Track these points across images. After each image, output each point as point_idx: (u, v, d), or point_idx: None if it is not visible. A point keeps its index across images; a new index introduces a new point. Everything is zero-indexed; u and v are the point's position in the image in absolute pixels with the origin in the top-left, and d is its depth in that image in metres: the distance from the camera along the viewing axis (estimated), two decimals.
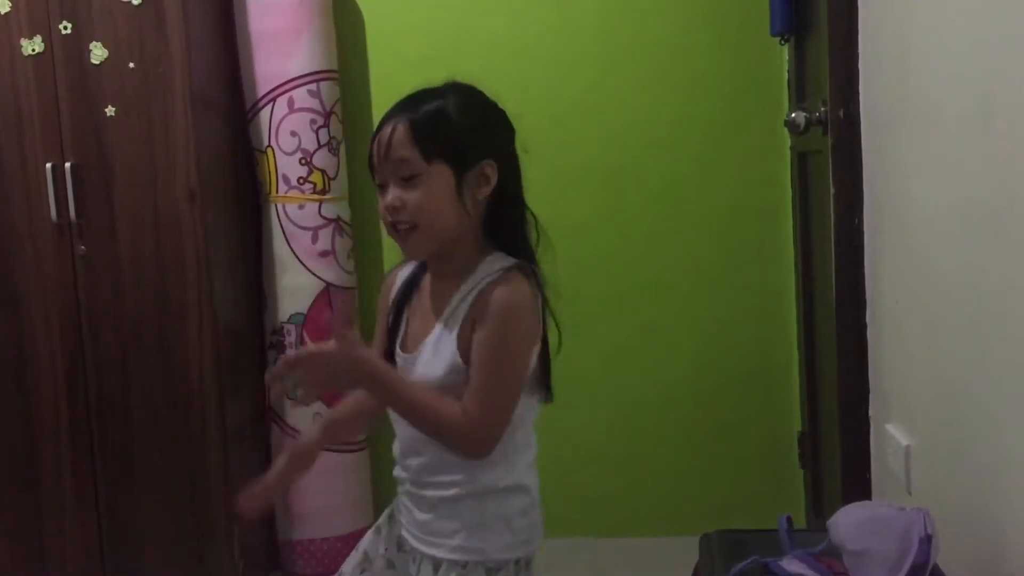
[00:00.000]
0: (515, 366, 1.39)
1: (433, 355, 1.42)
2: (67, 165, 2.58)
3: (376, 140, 1.41)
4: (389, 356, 1.49)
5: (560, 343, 1.50)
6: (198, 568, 2.68)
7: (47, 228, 2.61)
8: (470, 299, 1.40)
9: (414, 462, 1.47)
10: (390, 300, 1.54)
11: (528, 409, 1.47)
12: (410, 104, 1.42)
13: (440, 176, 1.39)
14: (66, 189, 2.58)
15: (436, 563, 1.46)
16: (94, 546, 2.69)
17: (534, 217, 1.53)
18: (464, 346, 1.39)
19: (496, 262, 1.43)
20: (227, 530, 2.66)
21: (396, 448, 1.52)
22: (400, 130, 1.39)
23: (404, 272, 1.55)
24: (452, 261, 1.44)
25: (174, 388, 2.63)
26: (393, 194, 1.40)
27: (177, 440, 2.65)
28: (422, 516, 1.47)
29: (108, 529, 2.69)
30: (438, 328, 1.43)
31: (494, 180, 1.44)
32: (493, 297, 1.38)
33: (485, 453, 1.39)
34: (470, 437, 1.37)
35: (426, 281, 1.51)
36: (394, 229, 1.42)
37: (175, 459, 2.65)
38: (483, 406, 1.36)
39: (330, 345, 1.34)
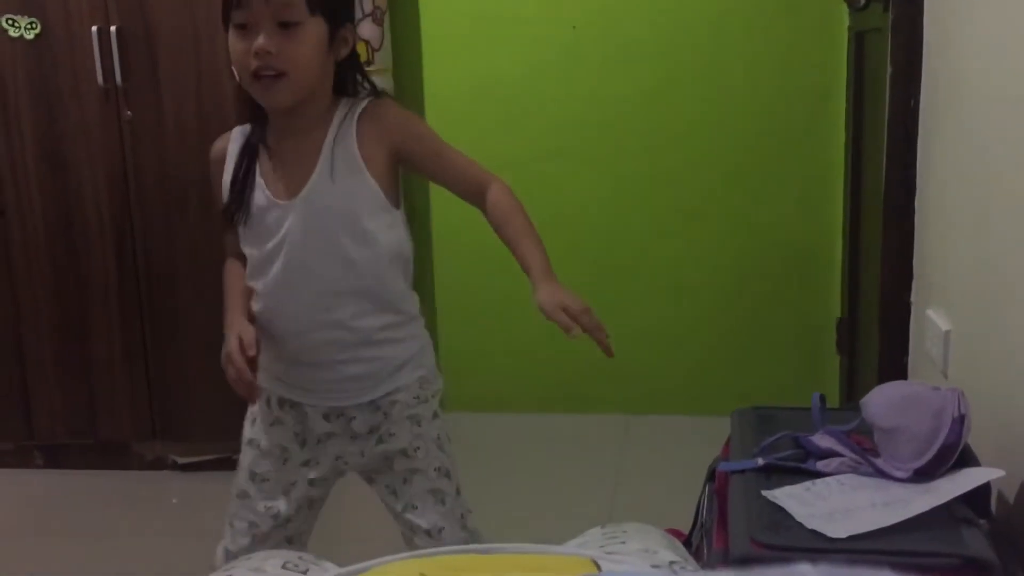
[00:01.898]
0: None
1: (326, 205, 1.44)
2: (112, 29, 2.57)
3: None
4: (233, 216, 1.50)
5: None
6: (242, 426, 2.77)
7: (94, 92, 2.61)
8: (352, 133, 1.43)
9: (330, 320, 1.50)
10: (228, 167, 1.50)
11: None
12: None
13: (317, 29, 1.38)
14: (111, 53, 2.58)
15: (379, 403, 1.54)
16: (143, 405, 2.79)
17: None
18: (380, 173, 1.44)
19: (353, 102, 1.46)
20: None
21: (280, 344, 1.55)
22: None
23: (234, 143, 1.51)
24: (305, 115, 1.44)
25: (218, 253, 2.65)
26: (267, 39, 1.35)
27: (222, 304, 2.69)
28: (357, 369, 1.51)
29: (157, 392, 2.78)
30: (317, 175, 1.43)
31: (352, 43, 1.46)
32: (392, 114, 1.45)
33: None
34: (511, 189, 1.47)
35: (272, 140, 1.48)
36: (256, 76, 1.37)
37: (220, 322, 2.70)
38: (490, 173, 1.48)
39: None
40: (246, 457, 1.61)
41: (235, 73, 1.42)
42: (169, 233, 2.68)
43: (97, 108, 2.63)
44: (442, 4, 3.03)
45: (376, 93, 1.49)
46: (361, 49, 2.80)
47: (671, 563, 1.03)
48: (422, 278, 3.01)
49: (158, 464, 2.82)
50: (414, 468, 1.57)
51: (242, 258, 1.57)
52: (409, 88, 3.04)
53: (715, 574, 1.10)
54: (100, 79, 2.59)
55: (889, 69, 2.07)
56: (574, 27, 2.98)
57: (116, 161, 2.65)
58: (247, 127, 1.50)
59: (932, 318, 1.84)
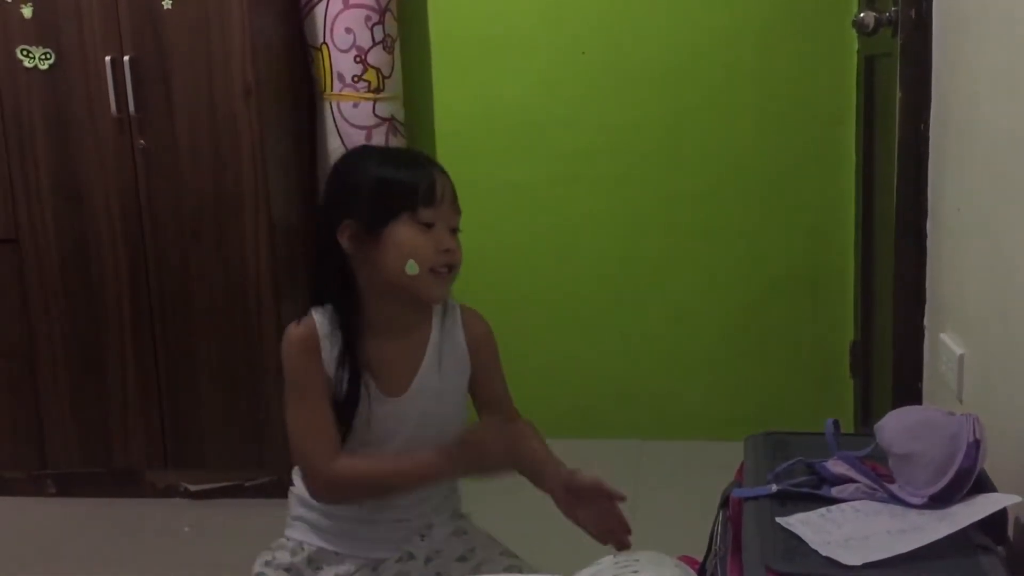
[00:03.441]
0: None
1: (438, 392, 1.51)
2: (126, 59, 2.60)
3: (440, 183, 1.46)
4: (349, 406, 1.46)
5: None
6: (255, 456, 2.78)
7: (107, 122, 2.64)
8: (460, 334, 1.54)
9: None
10: (327, 355, 1.47)
11: None
12: (433, 162, 1.52)
13: None
14: (125, 83, 2.60)
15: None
16: (157, 437, 2.79)
17: None
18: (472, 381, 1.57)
19: (446, 307, 1.55)
20: (283, 421, 2.73)
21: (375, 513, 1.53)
22: (452, 185, 1.49)
23: (321, 331, 1.47)
24: (417, 311, 1.51)
25: (231, 283, 2.69)
26: (452, 239, 1.47)
27: (235, 335, 2.71)
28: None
29: (170, 421, 2.78)
30: (424, 371, 1.51)
31: None
32: (485, 325, 1.58)
33: None
34: None
35: (371, 335, 1.48)
36: (436, 271, 1.46)
37: (233, 353, 2.72)
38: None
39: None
40: None
41: (403, 267, 1.43)
42: (183, 262, 2.69)
43: (111, 137, 2.65)
44: (452, 31, 3.06)
45: None
46: (371, 77, 2.83)
47: None
48: None
49: (170, 492, 2.82)
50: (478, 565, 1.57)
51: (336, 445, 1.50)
52: (419, 115, 3.06)
53: None
54: (114, 109, 2.61)
55: (899, 93, 2.07)
56: (583, 53, 3.00)
57: (130, 190, 2.67)
58: (323, 314, 1.48)
59: (946, 342, 1.83)
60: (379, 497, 1.49)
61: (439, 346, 1.52)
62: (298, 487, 1.58)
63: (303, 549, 1.54)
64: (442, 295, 1.50)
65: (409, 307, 1.50)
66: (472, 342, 1.55)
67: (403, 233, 1.43)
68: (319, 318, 1.48)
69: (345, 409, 1.47)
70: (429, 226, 1.44)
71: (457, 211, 1.49)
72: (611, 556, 1.16)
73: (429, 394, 1.51)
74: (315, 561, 1.53)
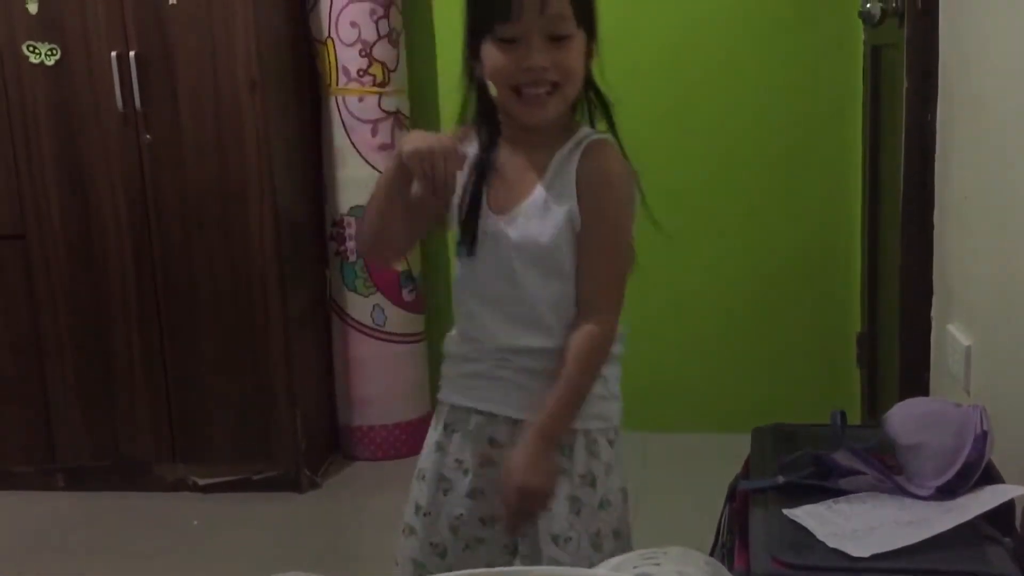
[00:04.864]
0: (627, 238, 1.48)
1: (540, 219, 1.37)
2: (131, 54, 2.60)
3: None
4: (471, 219, 1.39)
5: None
6: (263, 449, 2.79)
7: (113, 117, 2.64)
8: (574, 164, 1.38)
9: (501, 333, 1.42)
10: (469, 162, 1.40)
11: None
12: None
13: (581, 42, 1.35)
14: (131, 78, 2.60)
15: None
16: (164, 428, 2.80)
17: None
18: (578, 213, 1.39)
19: (587, 132, 1.41)
20: (290, 414, 2.75)
21: (471, 332, 1.45)
22: None
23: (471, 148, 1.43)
24: (549, 129, 1.38)
25: (237, 276, 2.69)
26: (541, 54, 1.30)
27: (241, 327, 2.72)
28: (527, 371, 1.42)
29: (178, 414, 2.79)
30: (539, 192, 1.38)
31: (596, 56, 1.40)
32: (597, 160, 1.39)
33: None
34: (611, 338, 1.45)
35: (503, 149, 1.41)
36: (519, 91, 1.32)
37: (239, 345, 2.73)
38: (614, 303, 1.49)
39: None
40: (412, 489, 1.49)
41: (490, 87, 1.35)
42: (189, 256, 2.70)
43: (117, 133, 2.65)
44: (457, 24, 3.03)
45: (605, 107, 1.45)
46: (377, 71, 2.83)
47: None
48: (438, 287, 3.02)
49: (179, 486, 2.83)
50: (554, 558, 1.41)
51: None
52: (425, 109, 3.05)
53: None
54: (119, 104, 2.62)
55: (905, 83, 2.07)
56: None
57: (136, 185, 2.68)
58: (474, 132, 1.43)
59: (953, 333, 1.83)
60: None
61: (556, 176, 1.38)
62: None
63: (441, 415, 1.48)
64: (536, 118, 1.34)
65: (527, 129, 1.38)
66: (580, 177, 1.38)
67: (487, 53, 1.33)
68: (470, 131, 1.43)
69: (460, 214, 1.40)
70: (511, 42, 1.31)
71: (557, 16, 1.30)
72: (642, 550, 1.14)
73: (531, 223, 1.37)
74: (450, 426, 1.46)
